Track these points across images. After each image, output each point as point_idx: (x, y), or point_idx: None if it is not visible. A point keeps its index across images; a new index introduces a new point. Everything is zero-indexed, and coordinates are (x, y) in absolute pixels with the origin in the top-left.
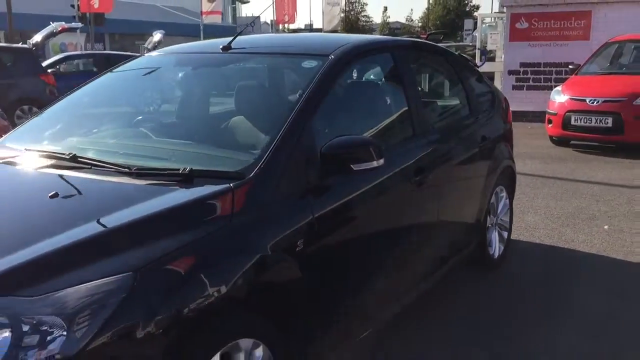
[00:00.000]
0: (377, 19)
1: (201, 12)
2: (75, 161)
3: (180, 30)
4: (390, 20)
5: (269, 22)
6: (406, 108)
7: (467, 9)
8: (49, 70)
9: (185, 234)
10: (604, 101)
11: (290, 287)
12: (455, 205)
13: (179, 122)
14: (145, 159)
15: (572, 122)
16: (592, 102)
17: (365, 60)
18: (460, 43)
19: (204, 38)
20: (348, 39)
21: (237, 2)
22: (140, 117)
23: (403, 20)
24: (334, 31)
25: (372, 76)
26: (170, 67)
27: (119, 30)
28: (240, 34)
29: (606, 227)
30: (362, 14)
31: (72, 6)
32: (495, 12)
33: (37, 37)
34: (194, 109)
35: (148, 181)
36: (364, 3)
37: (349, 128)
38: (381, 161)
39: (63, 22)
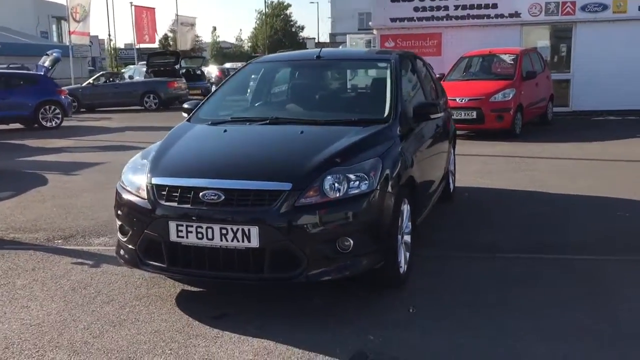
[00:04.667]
0: (206, 38)
1: (69, 31)
2: (278, 120)
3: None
4: (220, 39)
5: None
6: (422, 90)
7: (293, 29)
8: None
9: (382, 145)
10: (469, 99)
11: (413, 174)
12: (444, 153)
13: (319, 98)
14: (317, 116)
15: None
16: (461, 101)
17: (402, 63)
18: None
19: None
20: (391, 51)
21: (61, 21)
22: (285, 97)
23: (233, 40)
24: (190, 51)
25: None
26: (284, 68)
27: None
28: (323, 46)
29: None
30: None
31: None
32: (330, 33)
33: None
34: (323, 91)
35: (335, 126)
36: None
37: (409, 97)
38: (442, 113)
39: None
